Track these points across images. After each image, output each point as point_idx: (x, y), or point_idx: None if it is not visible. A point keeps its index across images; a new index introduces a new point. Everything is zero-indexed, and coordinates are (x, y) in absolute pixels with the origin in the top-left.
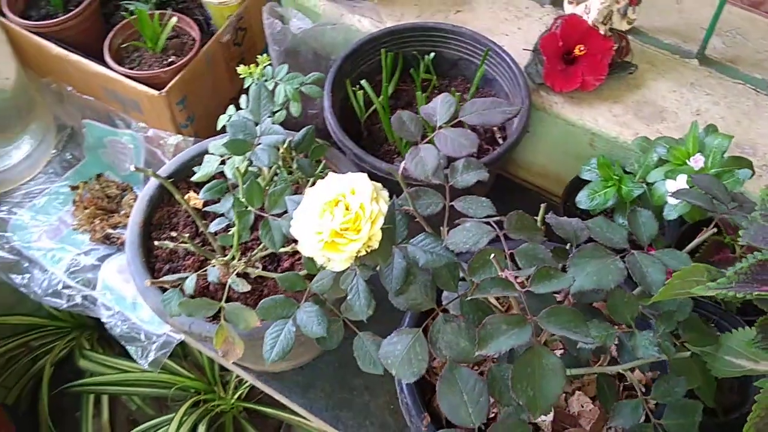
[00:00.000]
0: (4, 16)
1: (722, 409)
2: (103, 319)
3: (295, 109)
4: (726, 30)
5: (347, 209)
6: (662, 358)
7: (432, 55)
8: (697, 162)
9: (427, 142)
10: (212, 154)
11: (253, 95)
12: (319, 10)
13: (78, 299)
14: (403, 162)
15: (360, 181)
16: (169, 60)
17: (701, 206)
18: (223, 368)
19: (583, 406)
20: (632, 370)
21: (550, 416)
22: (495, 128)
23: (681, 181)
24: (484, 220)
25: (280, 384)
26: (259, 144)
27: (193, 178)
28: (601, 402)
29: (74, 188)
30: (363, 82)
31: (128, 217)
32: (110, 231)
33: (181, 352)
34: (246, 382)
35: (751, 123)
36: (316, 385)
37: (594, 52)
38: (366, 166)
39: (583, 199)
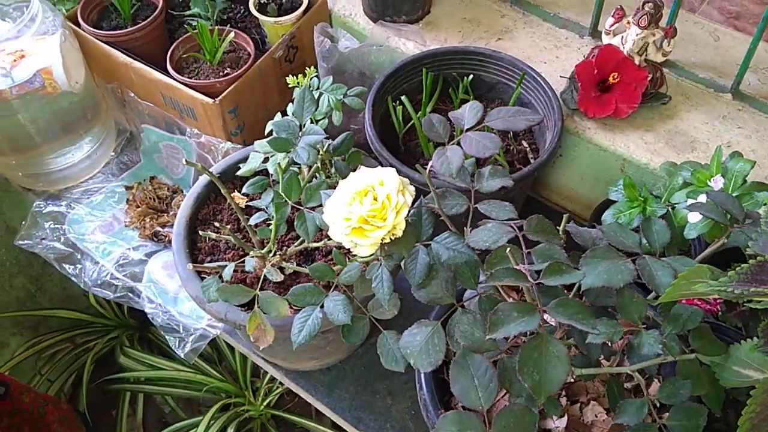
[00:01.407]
0: (78, 26)
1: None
2: (147, 310)
3: (336, 118)
4: (762, 67)
5: (375, 199)
6: (668, 358)
7: (471, 77)
8: (716, 183)
9: (454, 144)
10: (257, 151)
11: (298, 98)
12: (366, 32)
13: (124, 291)
14: (431, 162)
15: (388, 174)
16: (225, 72)
17: (714, 218)
18: (254, 374)
19: (597, 416)
20: (643, 376)
21: (564, 423)
22: (528, 148)
23: (701, 200)
24: (506, 222)
25: (307, 382)
26: (300, 143)
27: (239, 173)
28: (609, 402)
29: (129, 188)
30: (403, 98)
31: (176, 217)
32: (158, 229)
33: (216, 357)
34: (276, 389)
35: None
36: (340, 386)
37: (628, 81)
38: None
39: (608, 218)
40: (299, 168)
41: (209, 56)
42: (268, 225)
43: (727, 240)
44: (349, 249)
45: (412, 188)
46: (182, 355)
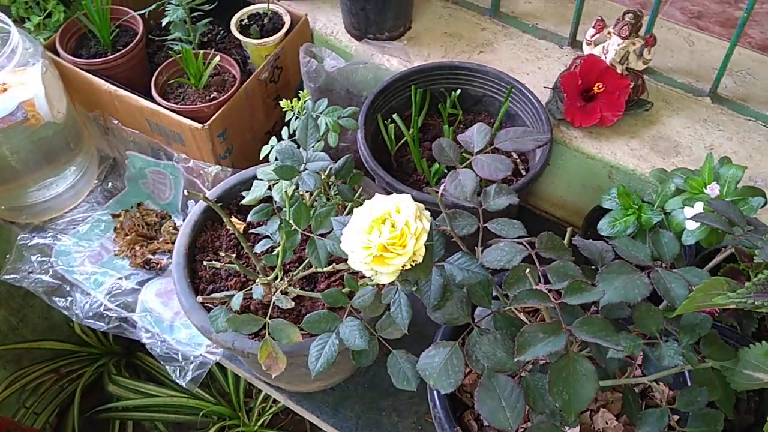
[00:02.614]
0: (57, 55)
1: (740, 428)
2: (144, 341)
3: (332, 139)
4: (737, 70)
5: (393, 226)
6: (686, 368)
7: (458, 91)
8: (713, 190)
9: (465, 167)
10: (261, 179)
11: (301, 125)
12: (349, 50)
13: (117, 322)
14: (443, 184)
15: (404, 200)
16: (212, 96)
17: (719, 228)
18: (247, 394)
19: (607, 423)
20: (657, 383)
21: (576, 431)
22: (518, 159)
23: (698, 208)
24: (517, 240)
25: (311, 404)
26: (306, 170)
27: (243, 202)
28: (626, 413)
29: (116, 216)
30: (395, 116)
31: (167, 243)
32: (150, 256)
33: (208, 379)
34: (269, 408)
35: (763, 157)
36: (346, 405)
37: (611, 89)
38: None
39: (604, 227)
40: (300, 194)
41: (194, 81)
42: (273, 251)
43: (734, 250)
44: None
45: (427, 213)
46: (183, 384)
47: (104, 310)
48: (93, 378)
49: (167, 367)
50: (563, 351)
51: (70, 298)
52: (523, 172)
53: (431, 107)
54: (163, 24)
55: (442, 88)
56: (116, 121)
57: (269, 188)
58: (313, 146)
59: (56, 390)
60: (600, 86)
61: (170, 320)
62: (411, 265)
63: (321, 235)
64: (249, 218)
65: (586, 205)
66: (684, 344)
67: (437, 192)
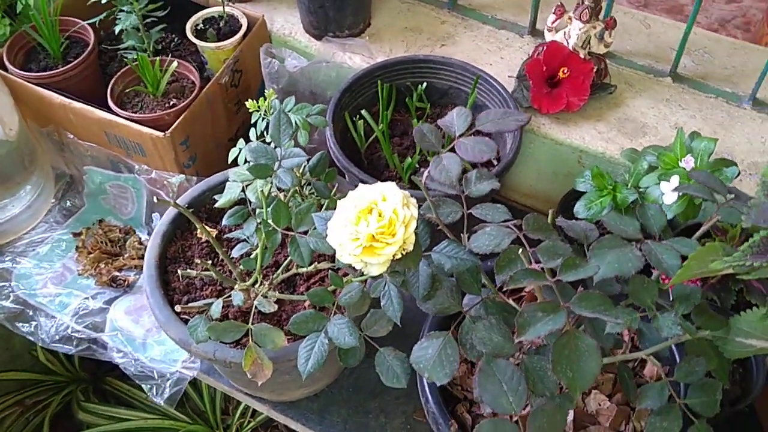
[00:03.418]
0: (5, 70)
1: (727, 401)
2: (116, 361)
3: (302, 138)
4: (694, 50)
5: (380, 215)
6: (678, 340)
7: (424, 85)
8: (688, 163)
9: (448, 151)
10: (234, 181)
11: (274, 122)
12: (309, 49)
13: (86, 344)
14: (426, 170)
15: (390, 188)
16: (171, 103)
17: (703, 197)
18: (224, 412)
19: (600, 404)
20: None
21: (570, 416)
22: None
23: (675, 182)
24: (503, 224)
25: (296, 412)
26: (281, 167)
27: (217, 205)
28: (623, 391)
29: (77, 234)
30: (363, 112)
31: (133, 259)
32: (116, 273)
33: (183, 399)
34: (248, 424)
35: (726, 132)
36: (331, 411)
37: (576, 74)
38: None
39: (580, 209)
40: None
41: (152, 88)
42: (249, 255)
43: (720, 217)
44: (339, 269)
45: (413, 200)
46: (161, 402)
47: (71, 332)
48: (61, 407)
49: (143, 385)
50: (563, 329)
51: (34, 323)
52: (495, 162)
53: (398, 102)
54: (116, 32)
55: (407, 82)
56: (71, 136)
57: (243, 190)
58: (287, 143)
59: (23, 422)
60: (565, 71)
61: (143, 338)
62: (402, 254)
63: (302, 233)
64: (224, 222)
65: (557, 193)
66: (680, 314)
67: (421, 180)
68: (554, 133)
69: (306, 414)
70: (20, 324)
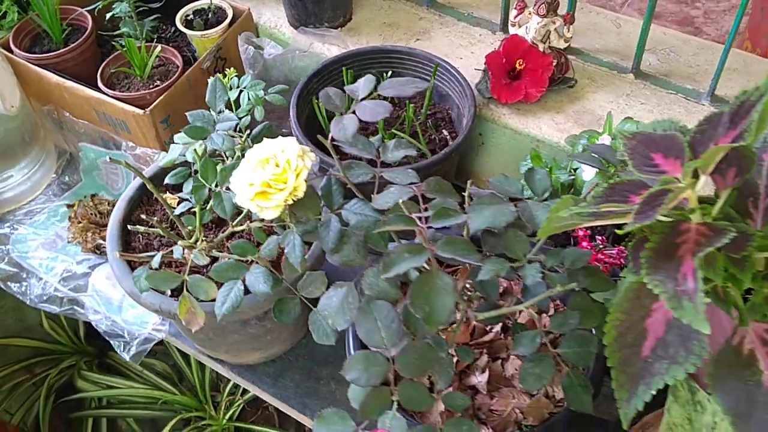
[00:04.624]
0: (11, 52)
1: None
2: (90, 318)
3: (258, 113)
4: (661, 48)
5: (277, 165)
6: (556, 290)
7: (390, 73)
8: (604, 140)
9: (350, 113)
10: (176, 143)
11: (210, 88)
12: (290, 40)
13: (70, 305)
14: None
15: (289, 142)
16: (155, 84)
17: (592, 164)
18: (214, 388)
19: (516, 369)
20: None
21: (486, 377)
22: (448, 136)
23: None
24: (408, 185)
25: (253, 375)
26: (215, 130)
27: (160, 165)
28: (513, 338)
29: (70, 206)
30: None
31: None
32: (100, 242)
33: (177, 377)
34: (237, 401)
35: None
36: (285, 376)
37: (535, 67)
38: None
39: None
40: (223, 160)
41: (139, 71)
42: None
43: (599, 181)
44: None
45: (312, 155)
46: (128, 358)
47: (55, 292)
48: (65, 378)
49: (113, 342)
50: (427, 268)
51: (25, 284)
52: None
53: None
54: (107, 18)
55: (374, 71)
56: (68, 114)
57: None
58: (221, 108)
59: (30, 389)
60: (521, 62)
61: (119, 301)
62: (293, 200)
63: (228, 189)
64: (166, 180)
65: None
66: (548, 266)
67: (327, 139)
68: (513, 123)
69: (262, 377)
70: (12, 284)
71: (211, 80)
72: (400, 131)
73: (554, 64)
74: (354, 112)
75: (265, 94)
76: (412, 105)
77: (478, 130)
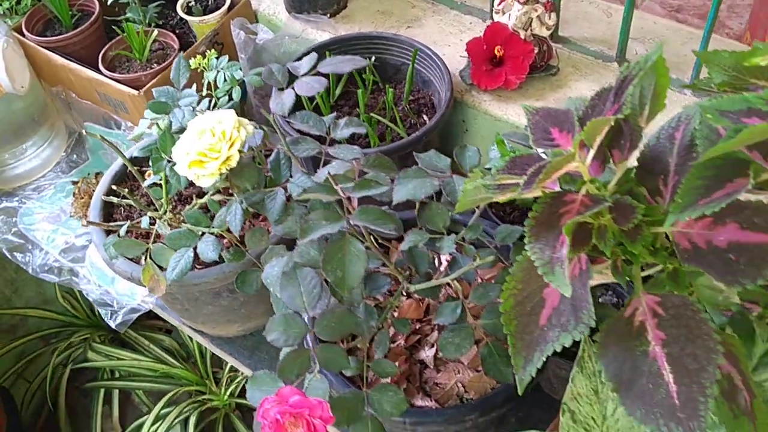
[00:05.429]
0: (23, 36)
1: None
2: (81, 287)
3: (236, 94)
4: (649, 38)
5: (213, 135)
6: (481, 263)
7: (373, 58)
8: None
9: (289, 88)
10: (144, 118)
11: (174, 66)
12: (283, 26)
13: (68, 275)
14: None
15: (227, 114)
16: (152, 67)
17: (522, 143)
18: (216, 365)
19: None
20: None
21: (432, 352)
22: (428, 121)
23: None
24: (349, 160)
25: (231, 347)
26: (177, 106)
27: (129, 138)
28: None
29: (75, 183)
30: None
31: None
32: None
33: (185, 354)
34: (238, 378)
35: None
36: (261, 349)
37: (516, 54)
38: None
39: None
40: None
41: (138, 54)
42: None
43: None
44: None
45: (250, 127)
46: (114, 326)
47: (54, 263)
48: (81, 350)
49: (101, 310)
50: (342, 235)
51: (28, 255)
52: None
53: (352, 76)
54: (108, 3)
55: (360, 56)
56: (74, 95)
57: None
58: (184, 84)
59: (47, 359)
60: (500, 49)
61: (113, 273)
62: (226, 170)
63: None
64: (135, 153)
65: None
66: (468, 238)
67: (271, 113)
68: (493, 109)
69: (239, 350)
70: (17, 254)
71: (174, 62)
72: (381, 116)
73: (536, 51)
74: (293, 88)
75: (244, 76)
76: (392, 90)
77: (461, 116)
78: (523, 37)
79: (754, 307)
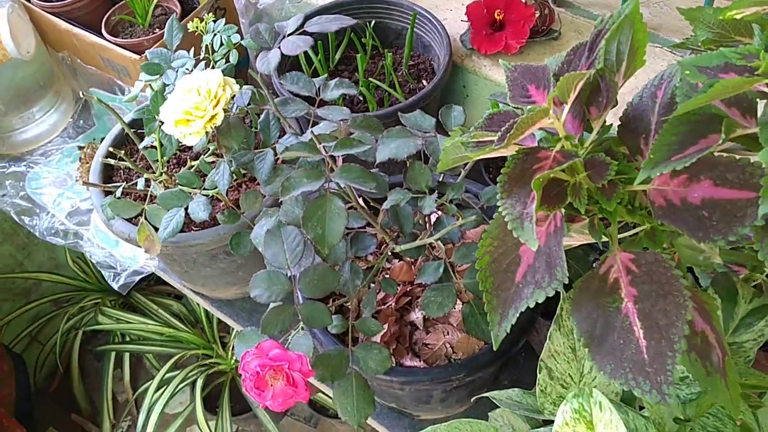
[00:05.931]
0: (28, 0)
1: None
2: (85, 249)
3: (233, 56)
4: (655, 2)
5: (199, 94)
6: (459, 222)
7: (373, 22)
8: None
9: (275, 47)
10: (139, 80)
11: (167, 28)
12: None
13: (74, 239)
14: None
15: (213, 74)
16: (155, 32)
17: (503, 102)
18: (223, 330)
19: (454, 307)
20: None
21: (422, 313)
22: (426, 84)
23: None
24: (338, 121)
25: (230, 309)
26: (170, 67)
27: (124, 100)
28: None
29: (81, 148)
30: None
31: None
32: None
33: (192, 320)
34: None
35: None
36: (259, 311)
37: (516, 18)
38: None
39: None
40: None
41: (141, 19)
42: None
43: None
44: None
45: (236, 87)
46: (116, 288)
47: (60, 226)
48: (92, 314)
49: (104, 272)
50: (323, 192)
51: (35, 218)
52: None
53: (353, 41)
54: None
55: (362, 21)
56: (79, 60)
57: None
58: (177, 46)
59: (59, 322)
60: (499, 13)
61: (116, 237)
62: (212, 128)
63: None
64: (131, 116)
65: None
66: (450, 198)
67: (258, 74)
68: (493, 74)
69: (238, 312)
70: (25, 218)
71: (167, 24)
72: (381, 81)
73: (537, 15)
74: (279, 47)
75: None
76: (391, 55)
77: (462, 82)
78: (524, 0)
79: (741, 270)
